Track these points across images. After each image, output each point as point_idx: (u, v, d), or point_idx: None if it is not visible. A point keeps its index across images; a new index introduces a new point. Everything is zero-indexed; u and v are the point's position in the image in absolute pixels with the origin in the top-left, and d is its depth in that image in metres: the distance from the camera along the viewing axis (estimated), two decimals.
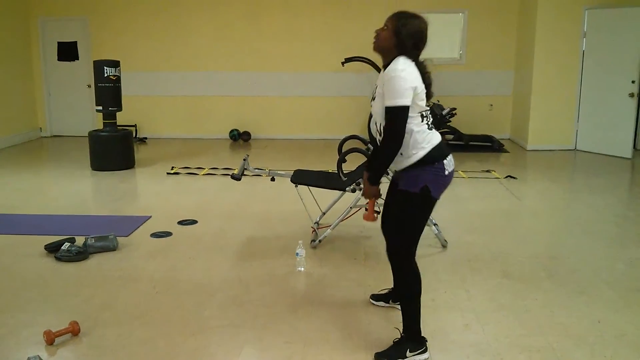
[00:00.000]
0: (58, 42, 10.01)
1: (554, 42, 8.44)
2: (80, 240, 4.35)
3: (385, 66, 2.72)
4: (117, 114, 7.46)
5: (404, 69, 2.60)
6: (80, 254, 4.10)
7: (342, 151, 4.40)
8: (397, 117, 2.58)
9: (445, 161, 2.69)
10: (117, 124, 7.49)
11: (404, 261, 2.77)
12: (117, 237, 4.38)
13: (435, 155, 2.67)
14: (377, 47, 2.80)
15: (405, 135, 2.63)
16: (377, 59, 9.62)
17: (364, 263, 4.04)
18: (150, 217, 5.18)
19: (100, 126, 7.56)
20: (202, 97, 9.97)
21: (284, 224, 4.98)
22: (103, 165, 7.23)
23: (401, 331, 2.81)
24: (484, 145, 8.89)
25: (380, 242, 3.91)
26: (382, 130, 2.68)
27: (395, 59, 2.66)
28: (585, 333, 3.03)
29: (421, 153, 2.66)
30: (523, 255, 4.22)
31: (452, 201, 5.63)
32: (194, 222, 5.05)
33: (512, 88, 9.61)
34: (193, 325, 3.12)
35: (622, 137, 8.02)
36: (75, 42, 9.99)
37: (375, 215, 2.92)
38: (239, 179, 4.62)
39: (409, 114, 2.61)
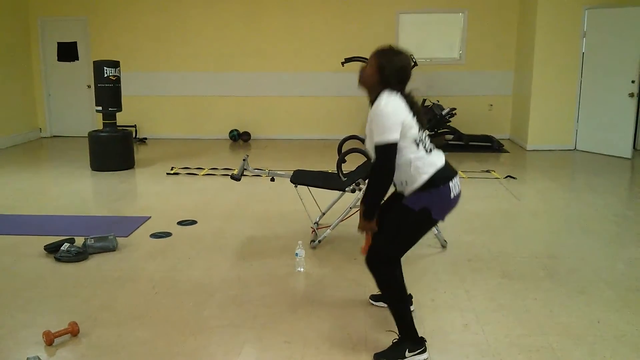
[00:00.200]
0: (58, 43, 10.01)
1: (554, 42, 8.44)
2: (79, 241, 4.35)
3: (372, 102, 2.76)
4: (117, 114, 7.46)
5: (387, 103, 2.62)
6: (80, 255, 4.10)
7: (342, 151, 4.40)
8: (385, 153, 2.61)
9: (451, 184, 2.71)
10: (117, 124, 7.49)
11: (382, 265, 2.73)
12: (116, 238, 4.38)
13: (440, 178, 2.68)
14: (362, 84, 2.85)
15: (405, 166, 2.66)
16: None
17: (363, 263, 4.03)
18: (150, 217, 5.18)
19: (100, 126, 7.56)
20: (202, 97, 9.97)
21: (283, 224, 4.98)
22: (103, 166, 7.23)
23: (397, 333, 2.80)
24: (484, 146, 8.89)
25: None
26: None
27: (380, 94, 2.69)
28: (585, 333, 3.03)
29: (424, 177, 2.67)
30: (523, 255, 4.22)
31: None
32: (193, 222, 5.05)
33: (511, 88, 9.61)
34: (193, 325, 3.12)
35: (621, 137, 8.02)
36: (75, 43, 10.00)
37: None
38: (239, 179, 4.62)
39: (404, 144, 2.64)
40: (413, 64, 8.66)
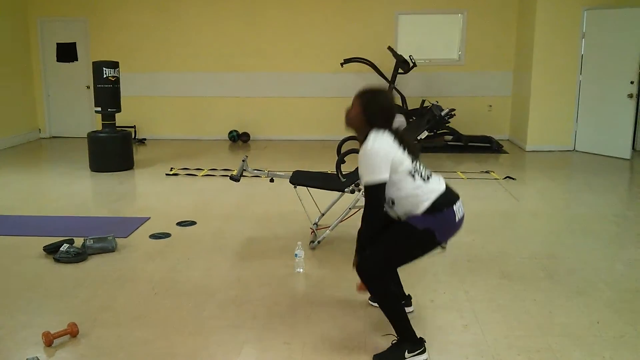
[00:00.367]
0: (57, 43, 10.01)
1: (553, 43, 8.45)
2: (79, 242, 4.35)
3: (360, 142, 2.80)
4: (116, 115, 7.45)
5: (373, 145, 2.66)
6: (79, 255, 4.09)
7: (341, 152, 4.40)
8: (374, 192, 2.67)
9: (454, 207, 2.75)
10: (116, 125, 7.48)
11: (375, 277, 2.71)
12: (116, 238, 4.38)
13: (443, 203, 2.72)
14: (349, 126, 2.89)
15: (405, 198, 2.70)
16: (376, 60, 9.56)
17: None
18: (149, 218, 5.18)
19: (99, 127, 7.56)
20: (201, 98, 9.97)
21: (283, 225, 4.98)
22: (102, 166, 7.23)
23: (395, 335, 2.80)
24: (483, 146, 8.89)
25: None
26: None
27: (368, 135, 2.73)
28: (584, 333, 3.03)
29: (426, 204, 2.69)
30: (522, 255, 4.23)
31: None
32: (193, 223, 5.05)
33: (511, 89, 9.62)
34: (192, 326, 3.12)
35: (621, 138, 8.03)
36: (75, 43, 9.99)
37: None
38: (238, 180, 4.62)
39: (399, 178, 2.68)
40: (412, 65, 8.73)
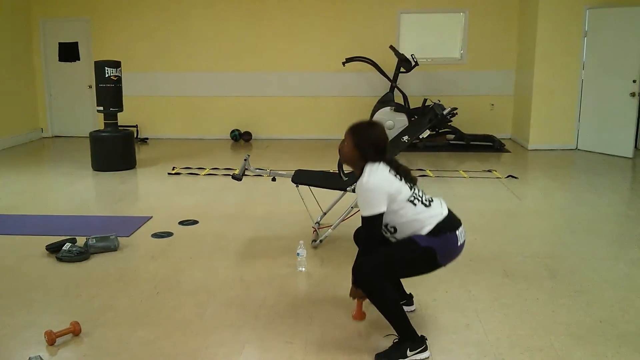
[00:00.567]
0: (59, 43, 10.02)
1: (555, 42, 8.44)
2: (81, 241, 4.35)
3: (357, 176, 2.85)
4: (118, 114, 7.46)
5: (368, 180, 2.71)
6: (82, 255, 4.10)
7: None
8: (371, 224, 2.72)
9: (457, 232, 2.77)
10: (118, 124, 7.49)
11: (371, 283, 2.71)
12: (118, 238, 4.38)
13: (445, 227, 2.75)
14: (344, 161, 2.94)
15: (407, 224, 2.74)
16: (378, 59, 9.56)
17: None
18: (151, 217, 5.18)
19: (102, 127, 7.56)
20: (203, 97, 9.97)
21: (285, 224, 4.98)
22: (104, 166, 7.24)
23: (396, 335, 2.80)
24: (485, 145, 8.89)
25: None
26: (388, 230, 2.81)
27: (363, 169, 2.78)
28: (587, 333, 3.03)
29: (428, 228, 2.72)
30: (524, 254, 4.22)
31: (453, 201, 5.61)
32: (195, 222, 5.05)
33: (513, 87, 9.60)
34: (194, 326, 3.12)
35: (623, 137, 8.01)
36: (77, 43, 10.00)
37: (364, 314, 3.05)
38: (240, 179, 4.62)
39: (399, 207, 2.71)
40: (414, 64, 8.72)
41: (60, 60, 10.06)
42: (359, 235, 3.15)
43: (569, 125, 8.64)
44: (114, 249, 4.29)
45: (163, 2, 9.70)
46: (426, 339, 2.79)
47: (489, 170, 7.17)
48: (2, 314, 3.26)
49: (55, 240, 4.30)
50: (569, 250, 4.35)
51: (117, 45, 9.81)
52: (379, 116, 8.75)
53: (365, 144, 2.79)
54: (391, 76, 9.01)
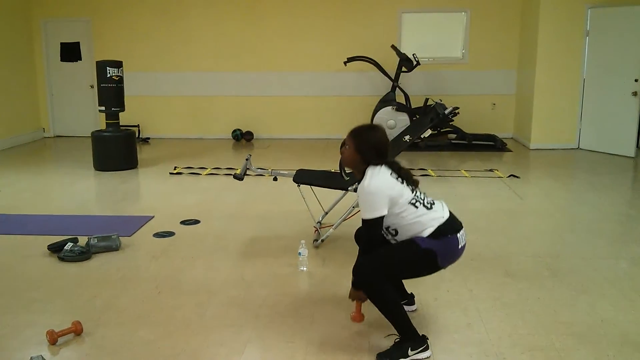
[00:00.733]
0: (61, 43, 10.03)
1: (557, 41, 8.42)
2: (83, 240, 4.36)
3: (359, 179, 2.85)
4: (120, 114, 7.46)
5: (370, 183, 2.71)
6: (83, 254, 4.10)
7: None
8: (372, 227, 2.73)
9: (458, 235, 2.77)
10: (120, 124, 7.49)
11: (371, 283, 2.71)
12: (119, 237, 4.38)
13: (447, 230, 2.75)
14: (346, 165, 2.94)
15: (408, 226, 2.74)
16: (379, 58, 9.54)
17: None
18: (153, 217, 5.19)
19: (103, 126, 7.57)
20: (205, 97, 9.98)
21: (286, 224, 4.98)
22: (106, 166, 7.25)
23: (397, 335, 2.80)
24: (487, 144, 8.88)
25: None
26: (388, 232, 2.83)
27: (365, 173, 2.78)
28: (589, 332, 3.02)
29: (429, 230, 2.72)
30: (526, 254, 4.22)
31: (455, 200, 5.62)
32: (196, 222, 5.06)
33: (514, 87, 9.59)
34: (195, 325, 3.12)
35: (625, 136, 8.00)
36: (78, 43, 10.02)
37: (363, 315, 3.03)
38: (242, 179, 4.62)
39: (401, 210, 2.72)
40: (415, 63, 8.71)
41: (62, 60, 10.07)
42: (360, 235, 3.15)
43: (570, 124, 8.63)
44: (116, 248, 4.29)
45: (164, 2, 9.70)
46: (427, 339, 2.80)
47: (491, 170, 7.16)
48: (4, 314, 3.26)
49: (57, 240, 4.31)
50: (571, 249, 4.35)
51: (118, 45, 9.82)
52: (381, 116, 8.74)
53: (367, 147, 2.80)
54: (393, 76, 9.01)
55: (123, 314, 3.26)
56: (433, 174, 6.94)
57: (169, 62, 9.88)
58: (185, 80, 9.92)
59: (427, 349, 2.76)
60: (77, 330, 2.98)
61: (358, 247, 2.97)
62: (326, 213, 4.77)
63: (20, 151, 8.86)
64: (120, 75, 7.28)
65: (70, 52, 10.03)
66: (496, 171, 7.08)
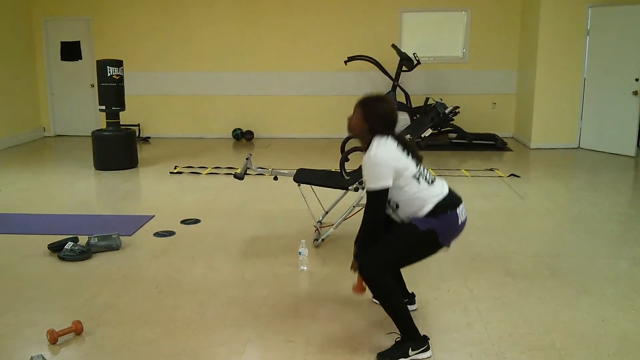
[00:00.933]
0: (61, 42, 10.03)
1: (558, 40, 8.42)
2: (83, 240, 4.36)
3: (364, 149, 2.82)
4: (121, 113, 7.47)
5: (376, 153, 2.68)
6: (84, 253, 4.11)
7: (345, 150, 4.40)
8: (376, 198, 2.68)
9: (457, 210, 2.76)
10: (121, 123, 7.50)
11: (375, 275, 2.69)
12: (120, 237, 4.39)
13: (446, 205, 2.73)
14: (351, 133, 2.91)
15: (409, 200, 2.72)
16: (380, 57, 9.52)
17: None
18: (154, 216, 5.19)
19: (104, 126, 7.57)
20: (205, 96, 9.98)
21: (286, 223, 4.98)
22: (106, 165, 7.25)
23: (398, 334, 2.80)
24: (487, 144, 8.88)
25: None
26: (392, 206, 2.79)
27: (371, 143, 2.75)
28: (589, 331, 3.02)
29: (429, 207, 2.71)
30: (526, 253, 4.22)
31: None
32: (197, 221, 5.06)
33: (515, 86, 9.59)
34: (196, 325, 3.13)
35: (625, 136, 8.00)
36: (79, 42, 10.02)
37: (365, 287, 2.97)
38: (242, 178, 4.62)
39: (404, 183, 2.70)
40: (416, 63, 8.71)
41: (62, 59, 10.07)
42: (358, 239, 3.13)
43: (571, 123, 8.63)
44: (116, 248, 4.29)
45: (164, 2, 9.70)
46: (429, 339, 2.79)
47: (491, 169, 7.16)
48: (4, 313, 3.27)
49: (58, 239, 4.31)
50: (571, 249, 4.35)
51: (119, 45, 9.82)
52: None
53: (374, 117, 2.77)
54: (393, 75, 9.00)
55: (123, 313, 3.26)
56: (434, 174, 6.93)
57: (170, 62, 9.88)
58: (185, 79, 9.92)
59: (428, 349, 2.76)
60: (77, 330, 2.98)
61: (354, 248, 2.91)
62: (326, 212, 4.77)
63: (20, 150, 8.86)
64: (121, 74, 7.28)
65: (71, 51, 10.03)
66: (496, 170, 7.08)
